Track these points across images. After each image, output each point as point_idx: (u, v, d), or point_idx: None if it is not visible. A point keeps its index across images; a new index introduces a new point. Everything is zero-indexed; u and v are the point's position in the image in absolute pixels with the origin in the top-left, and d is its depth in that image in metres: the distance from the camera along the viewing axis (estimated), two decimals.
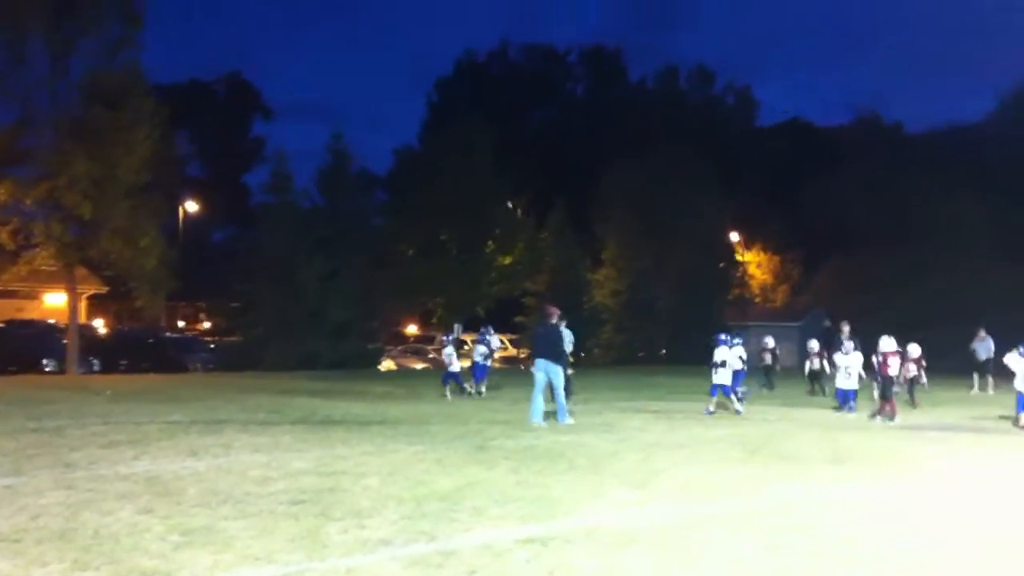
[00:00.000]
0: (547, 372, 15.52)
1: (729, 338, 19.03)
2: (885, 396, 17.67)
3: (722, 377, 18.19)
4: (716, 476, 10.41)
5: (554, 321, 16.15)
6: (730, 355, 18.42)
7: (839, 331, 20.26)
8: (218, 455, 11.02)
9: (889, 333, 18.42)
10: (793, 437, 14.46)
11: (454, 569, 6.31)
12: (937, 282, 42.40)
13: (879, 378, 17.87)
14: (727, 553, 6.93)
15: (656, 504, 8.77)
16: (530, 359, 18.14)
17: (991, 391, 24.47)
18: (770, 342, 25.84)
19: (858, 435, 15.02)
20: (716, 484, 9.91)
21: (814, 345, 24.31)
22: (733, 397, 18.42)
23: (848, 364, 18.32)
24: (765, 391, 24.10)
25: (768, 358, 25.58)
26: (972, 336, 25.66)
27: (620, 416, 17.37)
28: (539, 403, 15.40)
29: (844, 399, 18.50)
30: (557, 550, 6.89)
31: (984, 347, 25.35)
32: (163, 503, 8.11)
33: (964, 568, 6.74)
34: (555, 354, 15.57)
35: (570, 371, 16.41)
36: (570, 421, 15.41)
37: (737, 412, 18.09)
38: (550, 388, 15.63)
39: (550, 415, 15.47)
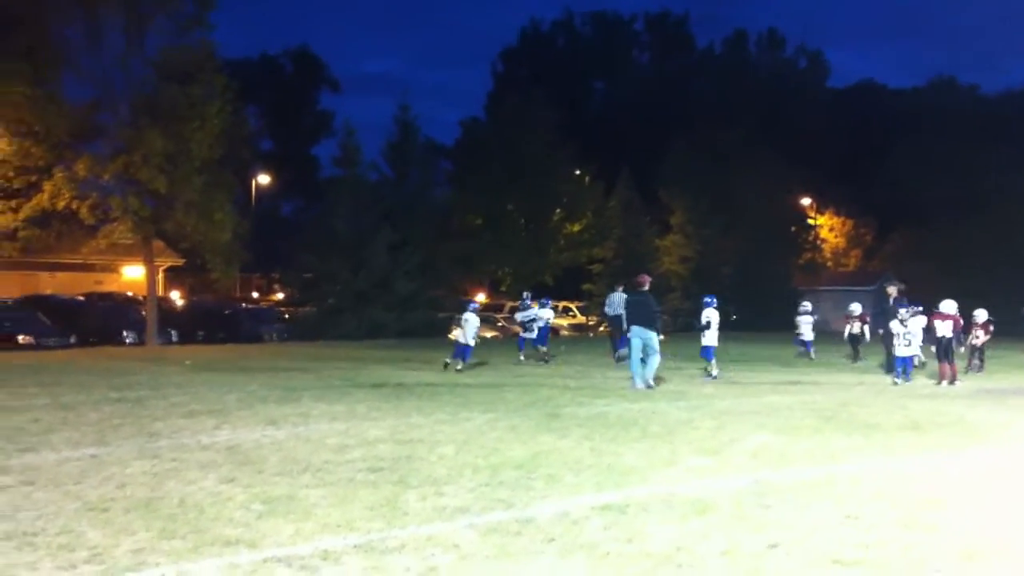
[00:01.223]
0: (642, 338, 15.92)
1: (712, 300, 18.62)
2: (946, 359, 17.42)
3: (708, 339, 18.02)
4: (790, 444, 10.32)
5: (646, 288, 16.74)
6: (714, 316, 18.11)
7: (888, 296, 19.85)
8: (296, 424, 11.20)
9: (958, 300, 18.07)
10: (866, 404, 14.26)
11: (532, 536, 6.35)
12: (1010, 251, 41.34)
13: (940, 341, 17.54)
14: (804, 521, 6.88)
15: (731, 472, 8.73)
16: (613, 327, 19.63)
17: None
18: (856, 308, 24.05)
19: (931, 402, 14.75)
20: (790, 452, 9.83)
21: (855, 308, 23.57)
22: (714, 362, 18.25)
23: (907, 331, 17.69)
24: (850, 362, 23.26)
25: (856, 326, 23.69)
26: None
27: (691, 383, 17.30)
28: (639, 369, 15.88)
29: (902, 366, 17.79)
30: (634, 517, 6.90)
31: None
32: (244, 472, 8.28)
33: None
34: (649, 321, 15.98)
35: (661, 337, 16.73)
36: (644, 387, 15.73)
37: (713, 377, 17.93)
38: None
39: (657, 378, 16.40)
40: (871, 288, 45.26)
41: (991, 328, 20.42)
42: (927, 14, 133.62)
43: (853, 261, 57.56)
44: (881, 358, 20.70)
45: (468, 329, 18.77)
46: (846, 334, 23.88)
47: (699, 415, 12.61)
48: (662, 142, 49.39)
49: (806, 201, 53.62)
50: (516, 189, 39.69)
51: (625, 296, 19.77)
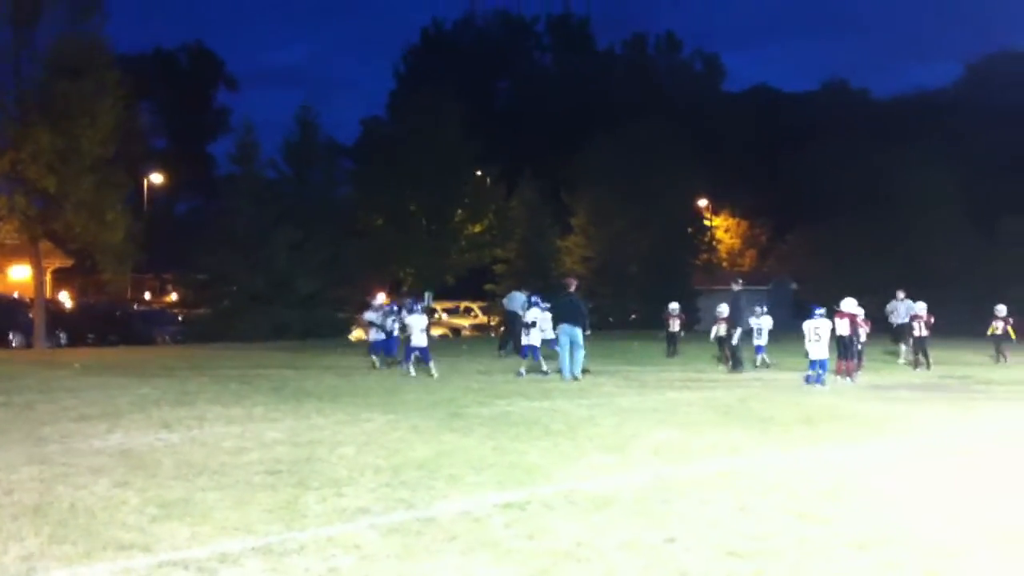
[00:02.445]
0: (571, 336, 17.70)
1: (539, 299, 19.52)
2: (845, 355, 17.98)
3: (532, 338, 18.73)
4: (691, 439, 10.50)
5: (572, 290, 18.98)
6: (541, 316, 18.80)
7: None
8: (191, 427, 10.96)
9: (855, 298, 18.66)
10: (763, 400, 14.61)
11: (434, 536, 6.32)
12: (906, 249, 42.83)
13: (841, 339, 18.08)
14: (702, 515, 7.00)
15: (633, 468, 8.84)
16: (506, 323, 20.91)
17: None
18: (724, 311, 21.69)
19: (826, 397, 15.21)
20: (691, 447, 10.01)
21: (723, 310, 21.46)
22: (543, 359, 18.81)
23: (817, 327, 17.98)
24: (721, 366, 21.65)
25: (723, 328, 21.52)
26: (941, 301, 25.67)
27: (593, 382, 17.46)
28: (567, 361, 17.64)
29: (815, 369, 17.42)
30: (536, 515, 6.93)
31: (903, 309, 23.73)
32: (138, 476, 8.06)
33: (940, 522, 6.84)
34: (576, 319, 17.80)
35: (587, 333, 18.23)
36: (571, 379, 17.46)
37: (544, 373, 18.42)
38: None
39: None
40: (765, 288, 46.48)
41: (931, 321, 21.58)
42: (820, 19, 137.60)
43: (748, 261, 58.94)
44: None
45: (416, 328, 18.12)
46: (712, 336, 22.30)
47: (600, 412, 12.74)
48: (564, 143, 49.81)
49: (703, 202, 54.65)
50: (418, 189, 39.50)
51: (524, 297, 21.85)
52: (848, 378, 17.85)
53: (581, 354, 17.76)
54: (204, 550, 5.89)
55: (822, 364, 17.13)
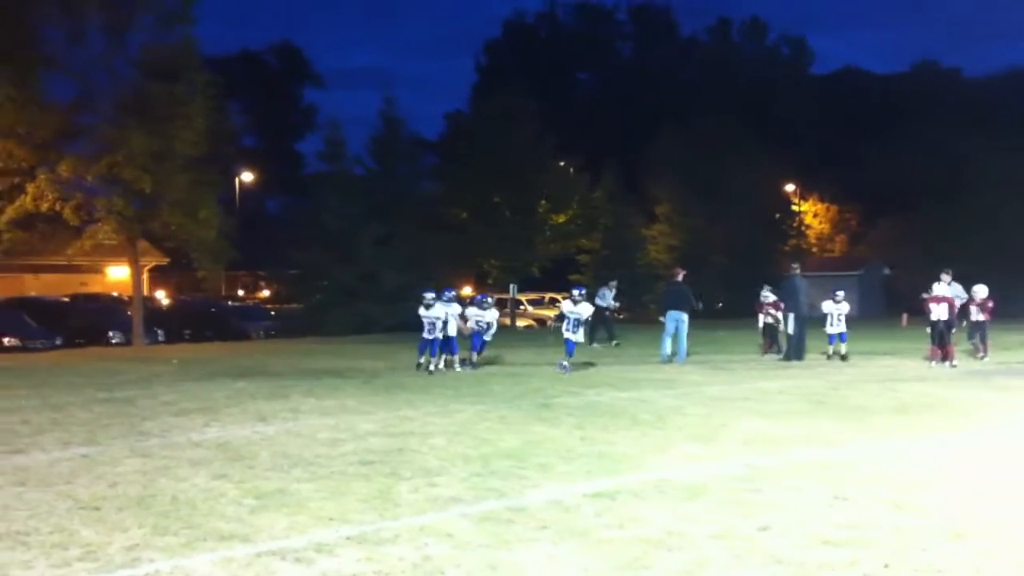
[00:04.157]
0: (677, 321, 18.88)
1: (582, 291, 17.47)
2: (943, 341, 17.55)
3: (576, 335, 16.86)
4: (781, 429, 10.39)
5: (679, 279, 19.77)
6: (586, 309, 17.04)
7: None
8: (287, 419, 11.20)
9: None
10: (855, 388, 14.35)
11: (525, 524, 6.38)
12: (994, 234, 41.54)
13: (935, 324, 17.65)
14: (795, 504, 6.93)
15: (722, 457, 8.79)
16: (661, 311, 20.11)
17: None
18: (769, 296, 21.15)
19: (920, 385, 14.86)
20: (781, 437, 9.91)
21: (768, 295, 20.94)
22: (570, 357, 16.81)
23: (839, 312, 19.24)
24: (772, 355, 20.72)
25: (770, 316, 20.92)
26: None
27: (680, 371, 17.37)
28: (667, 345, 18.93)
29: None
30: (626, 504, 6.94)
31: None
32: (236, 468, 8.28)
33: None
34: (683, 306, 18.98)
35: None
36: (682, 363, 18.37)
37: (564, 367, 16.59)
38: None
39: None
40: (857, 273, 45.56)
41: (990, 305, 19.52)
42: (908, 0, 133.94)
43: (839, 247, 57.79)
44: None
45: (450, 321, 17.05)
46: (760, 324, 21.34)
47: (689, 402, 12.66)
48: (647, 132, 49.45)
49: (790, 187, 53.75)
50: (502, 181, 39.64)
51: (608, 291, 23.98)
52: (947, 363, 17.43)
53: (686, 343, 18.95)
54: (301, 540, 6.03)
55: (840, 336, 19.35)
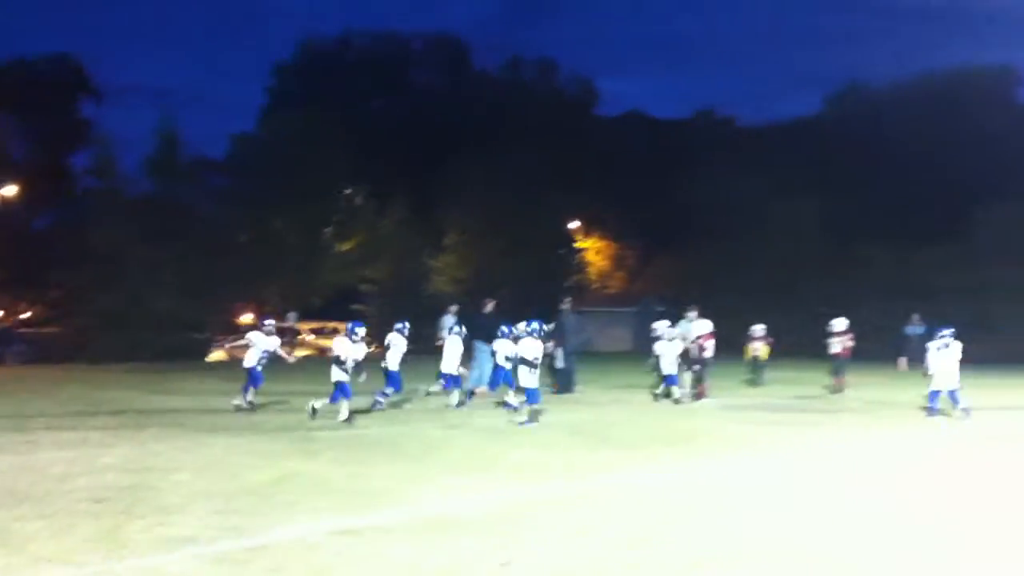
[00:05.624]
0: (485, 351, 17.84)
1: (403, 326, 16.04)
2: (701, 379, 18.15)
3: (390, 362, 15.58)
4: (546, 460, 10.38)
5: (488, 310, 19.47)
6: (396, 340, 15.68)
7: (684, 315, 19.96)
8: (21, 452, 10.37)
9: (712, 319, 18.93)
10: (621, 422, 14.56)
11: (260, 564, 6.03)
12: (770, 274, 43.99)
13: (695, 361, 18.24)
14: (545, 537, 6.86)
15: (484, 490, 8.66)
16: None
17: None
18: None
19: (695, 419, 15.12)
20: (546, 469, 9.88)
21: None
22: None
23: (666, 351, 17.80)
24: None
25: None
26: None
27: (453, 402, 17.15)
28: (483, 376, 17.99)
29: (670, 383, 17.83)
30: (372, 540, 6.68)
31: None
32: None
33: (769, 543, 6.86)
34: (490, 337, 17.41)
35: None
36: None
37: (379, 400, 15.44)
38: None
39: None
40: (633, 310, 47.15)
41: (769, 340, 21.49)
42: (691, 49, 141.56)
43: (617, 283, 59.69)
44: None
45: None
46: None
47: (457, 434, 12.55)
48: (438, 163, 49.57)
49: (575, 224, 55.22)
50: (286, 206, 38.71)
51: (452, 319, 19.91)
52: (696, 398, 17.92)
53: (487, 369, 17.88)
54: None
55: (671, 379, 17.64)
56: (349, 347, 14.15)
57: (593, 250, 58.74)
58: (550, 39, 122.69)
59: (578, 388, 19.70)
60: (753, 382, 21.80)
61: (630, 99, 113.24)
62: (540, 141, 48.74)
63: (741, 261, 45.47)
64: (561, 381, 19.54)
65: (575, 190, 50.06)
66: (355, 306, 42.48)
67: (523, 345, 14.54)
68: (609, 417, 15.21)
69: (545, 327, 16.02)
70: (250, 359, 15.44)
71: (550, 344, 19.60)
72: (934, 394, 15.01)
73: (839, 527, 7.40)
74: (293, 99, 54.38)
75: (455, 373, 16.52)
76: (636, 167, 57.73)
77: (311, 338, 41.30)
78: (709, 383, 18.27)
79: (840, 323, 20.72)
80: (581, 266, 54.65)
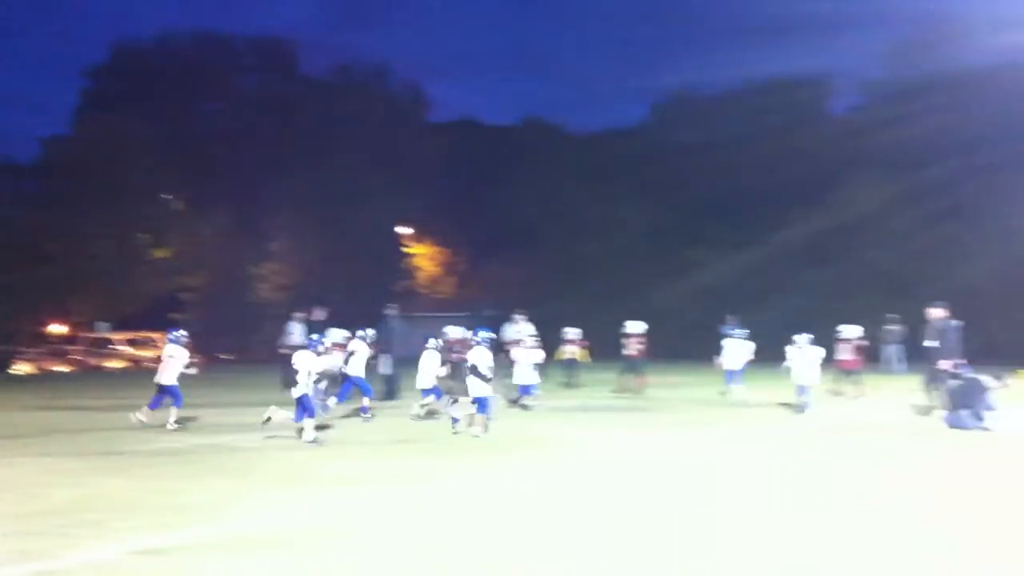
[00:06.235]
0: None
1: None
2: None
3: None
4: (369, 470, 10.23)
5: (320, 318, 19.21)
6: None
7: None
8: None
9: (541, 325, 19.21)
10: (446, 427, 14.40)
11: None
12: (598, 279, 44.96)
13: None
14: (371, 547, 6.77)
15: (301, 503, 8.45)
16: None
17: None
18: (336, 336, 17.16)
19: (514, 422, 15.22)
20: (367, 479, 9.72)
21: (335, 335, 17.20)
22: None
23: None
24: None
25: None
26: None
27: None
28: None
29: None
30: (178, 559, 6.41)
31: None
32: None
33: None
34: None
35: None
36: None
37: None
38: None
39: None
40: (464, 315, 47.25)
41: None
42: (522, 56, 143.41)
43: (448, 288, 59.78)
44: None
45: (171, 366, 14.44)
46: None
47: (274, 446, 12.20)
48: (265, 169, 48.42)
49: (407, 230, 55.03)
50: (101, 212, 36.94)
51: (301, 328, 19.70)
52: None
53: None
54: None
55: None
56: (313, 360, 12.98)
57: (424, 256, 58.67)
58: (379, 44, 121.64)
59: (404, 395, 19.56)
60: (569, 384, 22.37)
61: (461, 105, 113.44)
62: (370, 146, 48.36)
63: (570, 266, 46.38)
64: (386, 388, 19.39)
65: (406, 196, 49.88)
66: (173, 315, 41.08)
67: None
68: (437, 424, 15.07)
69: (361, 333, 16.02)
70: (170, 375, 14.28)
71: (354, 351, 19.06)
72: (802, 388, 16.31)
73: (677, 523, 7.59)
74: (109, 102, 51.99)
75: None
76: (467, 173, 57.98)
77: (127, 349, 39.42)
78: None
79: (635, 326, 21.48)
80: (412, 272, 54.51)
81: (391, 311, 20.41)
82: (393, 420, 15.63)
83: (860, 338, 20.21)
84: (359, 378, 15.70)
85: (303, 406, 12.53)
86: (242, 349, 40.90)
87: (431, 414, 15.35)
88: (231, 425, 14.73)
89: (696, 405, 18.57)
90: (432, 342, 15.36)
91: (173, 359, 14.38)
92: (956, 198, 36.84)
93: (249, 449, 11.94)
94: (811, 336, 16.70)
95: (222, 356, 42.01)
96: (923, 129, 36.61)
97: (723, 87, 51.70)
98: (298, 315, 20.26)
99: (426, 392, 15.41)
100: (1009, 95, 35.69)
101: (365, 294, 44.34)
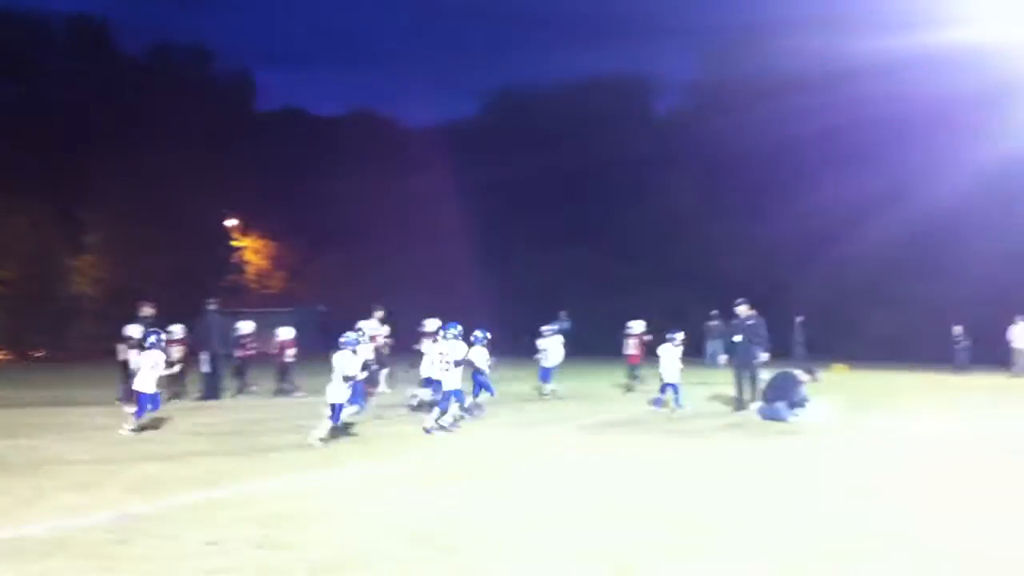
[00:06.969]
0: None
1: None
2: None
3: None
4: (173, 471, 9.96)
5: (145, 314, 17.62)
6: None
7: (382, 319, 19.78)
8: None
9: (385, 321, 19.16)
10: (268, 427, 14.06)
11: None
12: (430, 274, 44.91)
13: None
14: (168, 552, 6.63)
15: (98, 507, 8.18)
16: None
17: None
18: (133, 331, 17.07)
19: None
20: (171, 480, 9.48)
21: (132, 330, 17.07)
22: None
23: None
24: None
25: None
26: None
27: (82, 414, 15.98)
28: None
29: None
30: None
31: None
32: None
33: (402, 543, 6.99)
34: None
35: None
36: None
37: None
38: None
39: None
40: (290, 309, 46.43)
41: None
42: (352, 46, 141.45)
43: (278, 283, 58.51)
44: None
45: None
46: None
47: (77, 448, 11.70)
48: (78, 154, 46.14)
49: (232, 222, 53.56)
50: None
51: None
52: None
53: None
54: None
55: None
56: (353, 361, 12.47)
57: (251, 249, 57.24)
58: (201, 26, 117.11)
59: (227, 394, 19.10)
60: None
61: (288, 95, 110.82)
62: (191, 134, 46.77)
63: (397, 262, 46.18)
64: (206, 386, 18.79)
65: (230, 187, 48.53)
66: None
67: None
68: (263, 422, 14.71)
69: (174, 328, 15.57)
70: (148, 383, 13.31)
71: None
72: (665, 386, 16.59)
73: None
74: None
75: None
76: (295, 164, 56.92)
77: None
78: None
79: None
80: (239, 266, 53.11)
81: (211, 306, 19.73)
82: (211, 420, 15.21)
83: (644, 333, 21.15)
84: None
85: (336, 411, 12.19)
86: (56, 345, 38.98)
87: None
88: (42, 425, 14.01)
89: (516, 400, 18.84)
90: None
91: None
92: (759, 199, 38.74)
93: (46, 452, 11.38)
94: (681, 335, 16.90)
95: (33, 353, 39.94)
96: (735, 130, 38.08)
97: (549, 85, 52.55)
98: (147, 310, 18.18)
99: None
100: (818, 98, 37.58)
101: (190, 288, 42.96)
